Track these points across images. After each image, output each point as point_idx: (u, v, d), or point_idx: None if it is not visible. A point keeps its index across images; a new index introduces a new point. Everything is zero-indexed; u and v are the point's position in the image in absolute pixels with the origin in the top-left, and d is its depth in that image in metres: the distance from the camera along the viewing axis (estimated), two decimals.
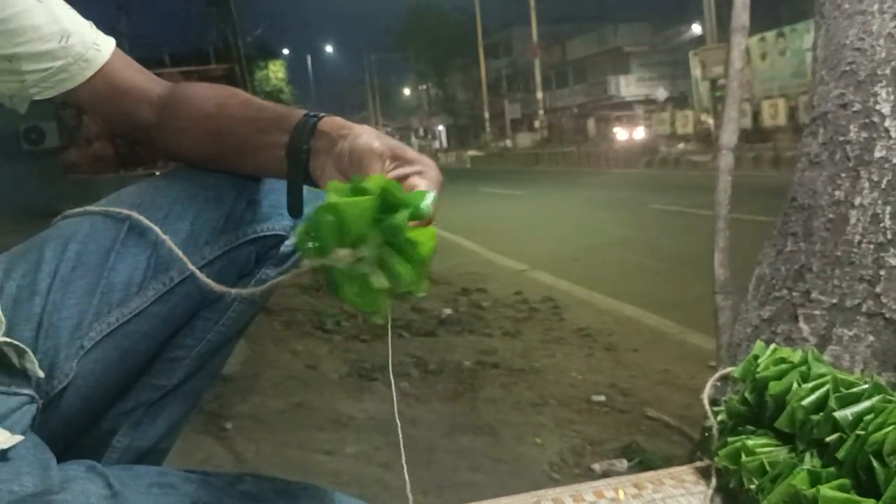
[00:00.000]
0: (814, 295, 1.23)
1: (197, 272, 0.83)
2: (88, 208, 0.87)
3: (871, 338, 1.16)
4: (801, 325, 1.23)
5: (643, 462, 1.90)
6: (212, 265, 0.86)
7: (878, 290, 1.17)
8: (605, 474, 1.86)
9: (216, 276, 0.84)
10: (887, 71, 1.22)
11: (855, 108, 1.25)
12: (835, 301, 1.20)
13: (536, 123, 34.87)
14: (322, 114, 0.83)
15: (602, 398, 2.48)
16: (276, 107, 0.87)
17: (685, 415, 2.23)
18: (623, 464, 1.91)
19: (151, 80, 0.92)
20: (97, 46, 0.87)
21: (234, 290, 0.83)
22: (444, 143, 52.70)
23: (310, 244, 0.65)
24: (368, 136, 0.76)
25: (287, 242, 0.92)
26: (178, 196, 0.87)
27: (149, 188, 0.90)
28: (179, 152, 0.92)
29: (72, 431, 0.84)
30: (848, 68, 1.27)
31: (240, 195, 0.89)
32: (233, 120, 0.87)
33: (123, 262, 0.83)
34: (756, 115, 17.00)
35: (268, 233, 0.90)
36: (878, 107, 1.22)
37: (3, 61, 0.82)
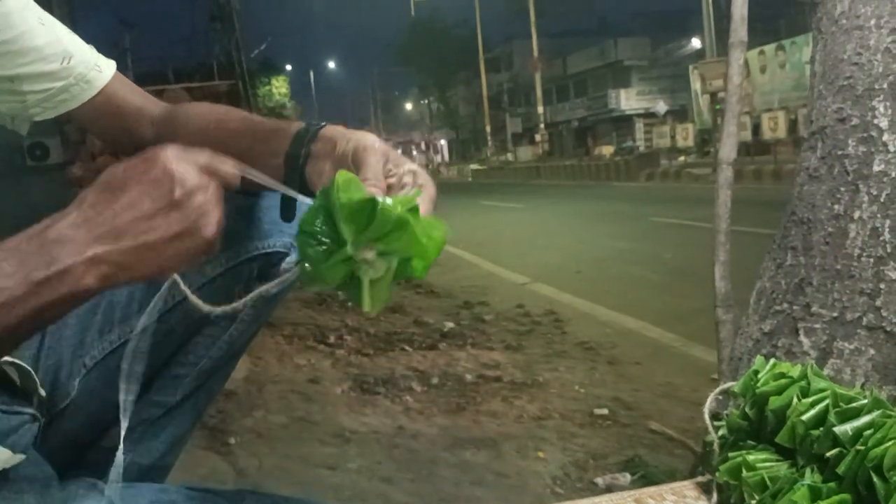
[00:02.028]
0: (814, 308, 1.23)
1: (189, 293, 0.82)
2: None
3: (871, 351, 1.16)
4: (802, 338, 1.23)
5: (646, 476, 1.89)
6: (213, 283, 0.86)
7: (878, 303, 1.17)
8: (609, 488, 1.85)
9: (217, 293, 0.84)
10: (885, 85, 1.23)
11: (853, 123, 1.25)
12: (835, 315, 1.20)
13: (537, 137, 34.91)
14: (325, 123, 0.84)
15: (605, 411, 2.47)
16: (275, 120, 0.88)
17: (688, 428, 2.22)
18: (626, 478, 1.91)
19: (150, 101, 0.94)
20: (98, 67, 0.88)
21: (219, 309, 0.82)
22: (447, 157, 52.87)
23: (314, 243, 0.67)
24: (371, 138, 0.77)
25: (288, 259, 0.92)
26: None
27: None
28: None
29: (74, 449, 0.85)
30: (846, 83, 1.28)
31: (238, 211, 0.90)
32: (232, 133, 0.87)
33: None
34: (756, 128, 17.03)
35: (269, 250, 0.91)
36: (876, 121, 1.23)
37: (5, 82, 0.83)
